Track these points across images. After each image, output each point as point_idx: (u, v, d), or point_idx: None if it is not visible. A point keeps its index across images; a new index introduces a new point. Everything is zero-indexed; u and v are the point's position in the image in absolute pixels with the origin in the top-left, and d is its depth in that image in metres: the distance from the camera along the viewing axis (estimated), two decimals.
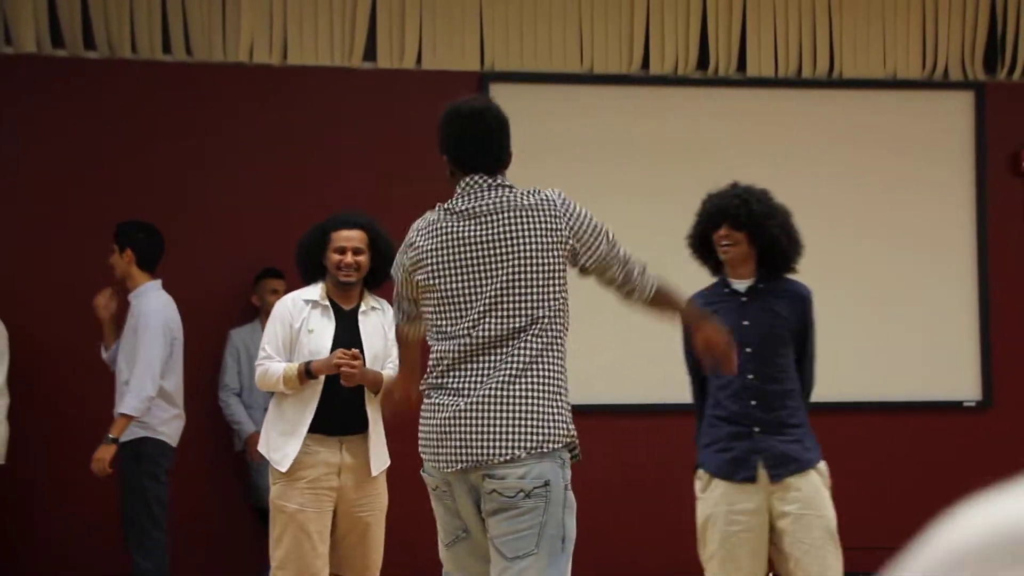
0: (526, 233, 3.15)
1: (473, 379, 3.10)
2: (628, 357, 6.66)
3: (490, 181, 3.29)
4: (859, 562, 6.78)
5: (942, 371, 6.87)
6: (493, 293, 3.13)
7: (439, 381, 3.17)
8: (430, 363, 3.27)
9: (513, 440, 3.05)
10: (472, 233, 3.20)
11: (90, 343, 5.86)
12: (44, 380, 6.10)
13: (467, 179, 3.30)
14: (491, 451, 3.05)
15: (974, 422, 6.87)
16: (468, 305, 3.16)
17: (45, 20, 6.33)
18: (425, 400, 3.24)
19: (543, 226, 3.16)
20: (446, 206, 3.30)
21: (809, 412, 6.89)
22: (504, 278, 3.14)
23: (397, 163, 6.56)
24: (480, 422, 3.06)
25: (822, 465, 4.16)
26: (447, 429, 3.11)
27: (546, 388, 3.11)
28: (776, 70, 6.85)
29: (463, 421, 3.08)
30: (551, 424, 3.11)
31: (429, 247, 3.25)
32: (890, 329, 6.82)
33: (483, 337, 3.11)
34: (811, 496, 4.11)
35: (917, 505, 6.84)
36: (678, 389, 6.73)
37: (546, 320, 3.12)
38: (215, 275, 6.16)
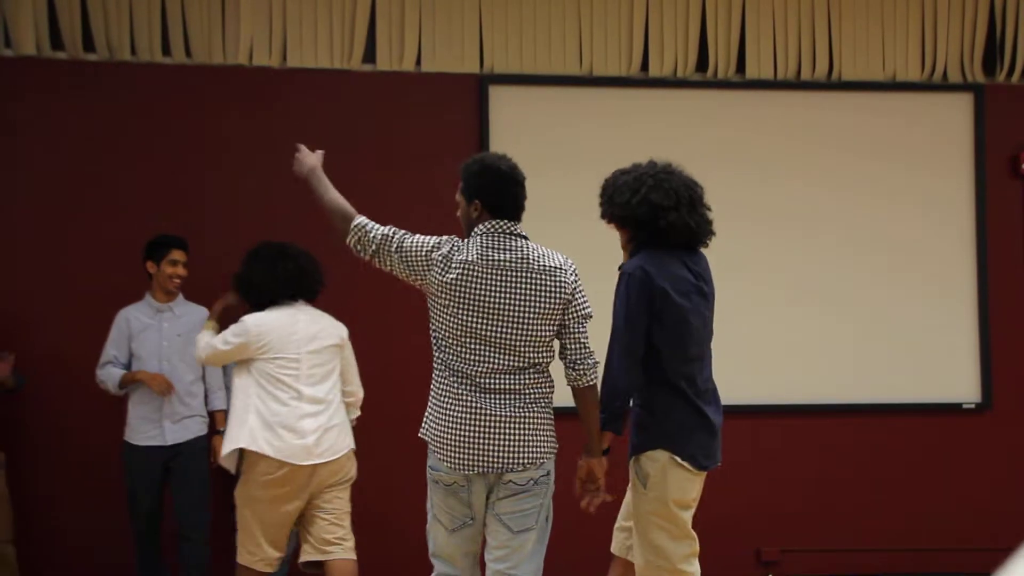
0: (544, 296, 3.94)
1: (496, 402, 3.88)
2: None
3: (513, 228, 4.02)
4: (859, 562, 6.78)
5: (941, 373, 6.87)
6: (514, 334, 3.90)
7: (460, 395, 3.89)
8: (444, 375, 3.92)
9: (536, 450, 3.93)
10: (512, 278, 3.93)
11: (88, 342, 5.87)
12: (37, 382, 6.10)
13: (494, 223, 3.99)
14: (522, 458, 3.91)
15: (973, 424, 6.87)
16: (490, 336, 3.88)
17: (45, 22, 6.34)
18: (441, 410, 3.91)
19: (556, 297, 3.96)
20: (484, 243, 3.97)
21: (809, 413, 6.95)
22: (524, 325, 3.90)
23: (397, 164, 6.57)
24: (511, 437, 3.88)
25: (646, 453, 4.06)
26: (480, 440, 3.87)
27: (550, 412, 4.01)
28: (775, 72, 6.85)
29: (495, 436, 3.87)
30: (554, 436, 4.05)
31: (463, 273, 3.91)
32: (889, 330, 6.82)
33: (501, 366, 3.88)
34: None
35: (917, 506, 6.87)
36: None
37: (544, 363, 3.98)
38: (215, 275, 6.14)
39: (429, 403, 4.00)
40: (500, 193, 4.01)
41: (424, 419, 4.02)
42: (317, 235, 6.51)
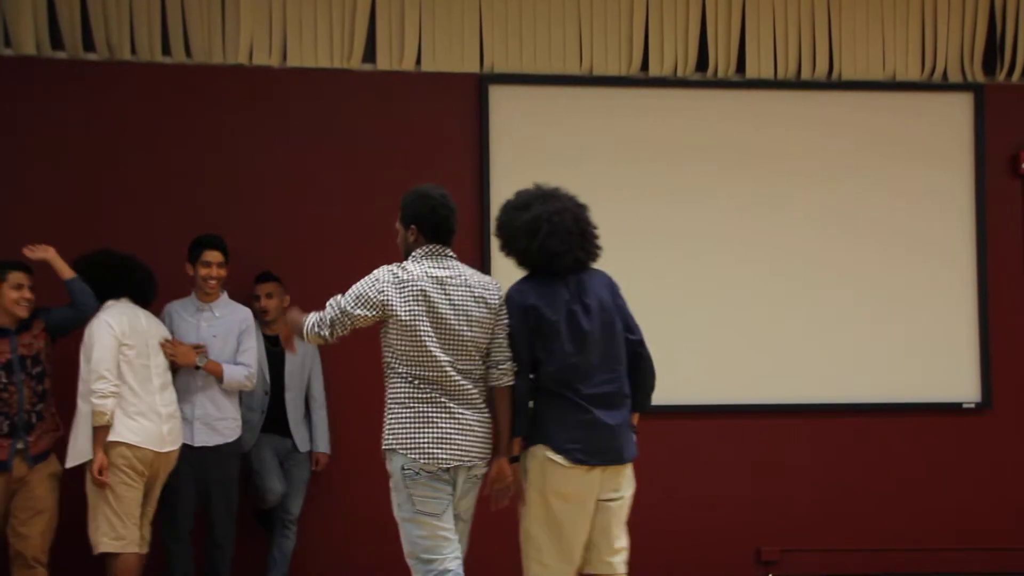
0: (482, 309, 4.44)
1: (460, 404, 4.37)
2: None
3: (447, 251, 4.50)
4: (859, 562, 6.78)
5: (941, 372, 6.87)
6: (467, 343, 4.39)
7: (431, 399, 4.34)
8: (410, 385, 4.33)
9: (487, 447, 4.47)
10: (455, 296, 4.41)
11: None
12: None
13: (431, 246, 4.48)
14: (483, 454, 4.45)
15: (973, 423, 6.87)
16: (450, 346, 4.36)
17: (45, 22, 6.34)
18: (414, 414, 4.33)
19: (490, 309, 4.46)
20: (426, 264, 4.44)
21: (809, 413, 6.96)
22: (472, 335, 4.40)
23: (397, 163, 6.56)
24: (476, 434, 4.41)
25: (528, 450, 4.49)
26: (458, 434, 4.35)
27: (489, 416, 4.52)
28: (775, 72, 6.85)
29: (467, 433, 4.38)
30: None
31: (414, 295, 4.36)
32: (889, 330, 6.82)
33: (460, 371, 4.37)
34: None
35: (917, 506, 6.87)
36: (671, 391, 6.76)
37: (483, 370, 4.47)
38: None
39: (393, 414, 4.37)
40: (434, 219, 4.48)
41: (388, 430, 4.38)
42: (318, 234, 6.52)
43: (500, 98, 6.67)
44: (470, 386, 4.39)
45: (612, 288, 4.57)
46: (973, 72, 6.98)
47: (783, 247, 6.79)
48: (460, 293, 4.41)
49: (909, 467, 6.81)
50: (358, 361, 6.39)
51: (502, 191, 6.48)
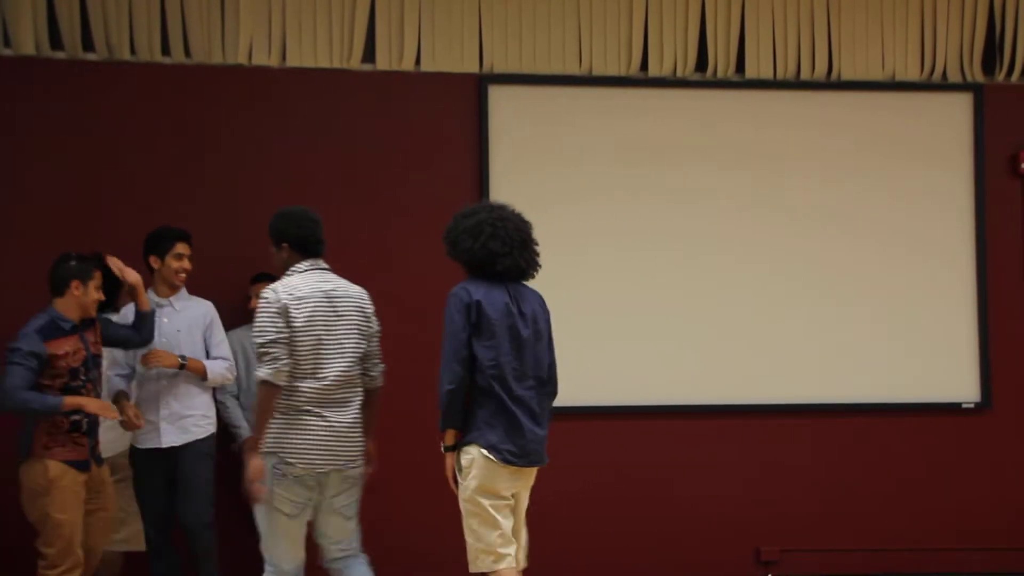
0: (361, 319, 4.83)
1: (341, 410, 4.73)
2: (622, 360, 6.66)
3: (322, 264, 4.86)
4: (859, 563, 6.78)
5: (941, 373, 6.87)
6: (350, 352, 4.75)
7: (312, 409, 4.67)
8: (296, 394, 4.64)
9: (362, 448, 4.85)
10: (340, 307, 4.78)
11: None
12: None
13: (312, 261, 4.83)
14: (359, 456, 4.85)
15: (973, 424, 6.87)
16: (336, 355, 4.71)
17: (44, 22, 6.34)
18: (295, 422, 4.66)
19: (366, 319, 4.87)
20: (307, 279, 4.78)
21: (808, 413, 6.97)
22: (354, 344, 4.77)
23: (396, 164, 6.57)
24: (353, 439, 4.79)
25: (463, 448, 4.67)
26: (334, 440, 4.71)
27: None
28: (775, 72, 6.85)
29: (346, 438, 4.76)
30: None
31: (311, 310, 4.70)
32: (889, 330, 6.82)
33: (340, 380, 4.72)
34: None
35: (916, 506, 6.87)
36: (671, 391, 6.76)
37: (359, 376, 4.86)
38: (213, 276, 6.14)
39: (275, 421, 4.65)
40: (302, 232, 4.82)
41: (269, 434, 4.64)
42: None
43: (500, 98, 6.67)
44: (348, 393, 4.75)
45: (545, 307, 4.83)
46: (972, 72, 6.98)
47: (783, 247, 6.79)
48: (345, 304, 4.77)
49: (909, 467, 6.81)
50: None
51: (502, 191, 6.51)
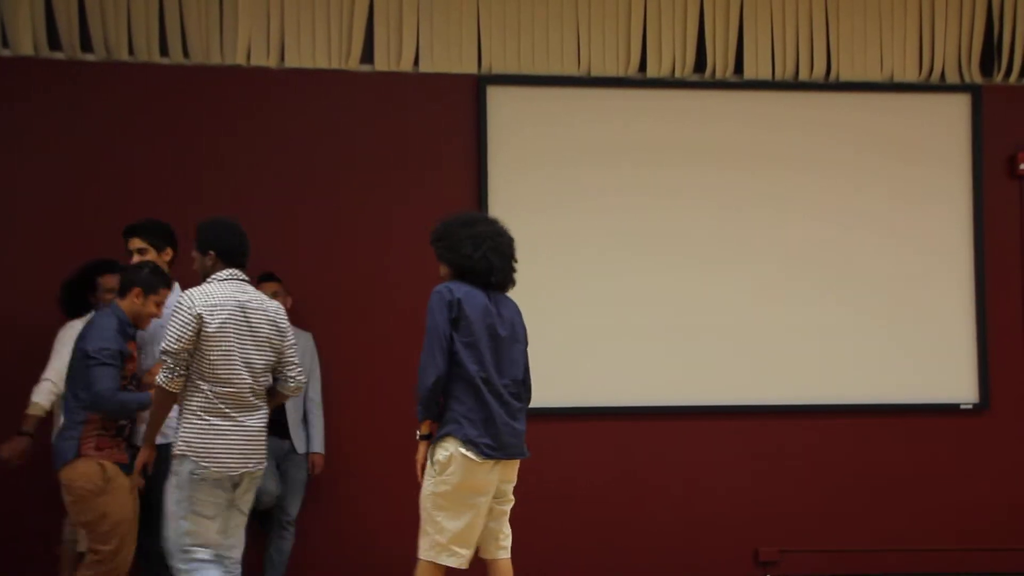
0: (274, 331, 4.91)
1: (250, 415, 4.82)
2: (622, 360, 6.66)
3: (243, 275, 4.92)
4: (858, 563, 6.78)
5: (939, 373, 6.87)
6: (261, 361, 4.84)
7: (225, 412, 4.75)
8: (207, 398, 4.70)
9: (265, 450, 4.97)
10: (253, 319, 4.85)
11: None
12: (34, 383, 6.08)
13: (230, 271, 4.89)
14: (264, 457, 4.93)
15: (971, 424, 6.88)
16: (249, 363, 4.79)
17: (42, 23, 6.34)
18: (207, 424, 4.72)
19: (280, 331, 4.95)
20: (227, 288, 4.84)
21: (808, 414, 6.98)
22: (266, 353, 4.86)
23: (395, 164, 6.57)
24: (259, 441, 4.89)
25: (439, 442, 4.67)
26: (247, 444, 4.80)
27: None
28: (773, 73, 6.86)
29: (254, 440, 4.85)
30: None
31: (224, 318, 4.76)
32: (887, 331, 6.83)
33: (252, 387, 4.81)
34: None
35: (915, 506, 6.87)
36: (671, 391, 6.76)
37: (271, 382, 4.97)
38: None
39: (188, 423, 4.72)
40: (230, 242, 4.92)
41: (181, 437, 4.71)
42: (317, 234, 6.52)
43: (498, 99, 6.67)
44: (257, 400, 4.84)
45: (521, 316, 4.90)
46: (971, 73, 6.99)
47: (782, 248, 6.79)
48: (258, 317, 4.85)
49: (907, 468, 6.81)
50: (356, 363, 6.40)
51: (501, 191, 6.52)
